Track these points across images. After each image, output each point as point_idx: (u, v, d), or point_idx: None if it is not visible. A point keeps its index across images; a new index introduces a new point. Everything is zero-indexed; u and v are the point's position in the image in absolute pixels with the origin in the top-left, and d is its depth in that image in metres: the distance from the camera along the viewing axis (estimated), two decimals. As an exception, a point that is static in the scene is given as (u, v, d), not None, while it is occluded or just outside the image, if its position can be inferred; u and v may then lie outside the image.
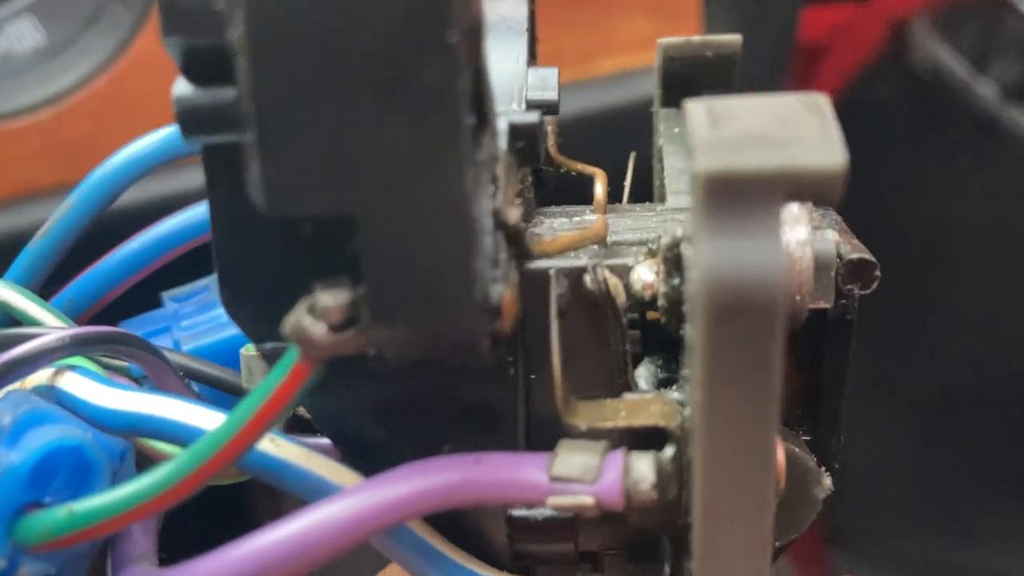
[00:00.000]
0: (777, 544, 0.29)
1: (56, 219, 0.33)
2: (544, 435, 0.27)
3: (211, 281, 0.36)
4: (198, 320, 0.35)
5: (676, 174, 0.32)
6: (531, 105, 0.32)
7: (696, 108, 0.21)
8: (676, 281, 0.25)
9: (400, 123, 0.20)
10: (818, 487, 0.28)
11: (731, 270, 0.20)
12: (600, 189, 0.31)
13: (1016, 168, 0.62)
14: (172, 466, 0.24)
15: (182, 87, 0.23)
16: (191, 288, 0.36)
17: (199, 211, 0.34)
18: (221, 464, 0.24)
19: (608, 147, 0.37)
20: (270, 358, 0.26)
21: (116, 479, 0.27)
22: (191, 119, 0.23)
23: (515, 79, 0.33)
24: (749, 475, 0.22)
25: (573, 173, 0.33)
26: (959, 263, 0.64)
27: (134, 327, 0.36)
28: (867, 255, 0.27)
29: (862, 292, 0.27)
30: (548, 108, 0.33)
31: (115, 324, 0.35)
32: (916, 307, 0.61)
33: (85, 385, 0.28)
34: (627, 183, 0.34)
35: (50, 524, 0.25)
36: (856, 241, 0.27)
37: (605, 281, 0.26)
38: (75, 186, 0.34)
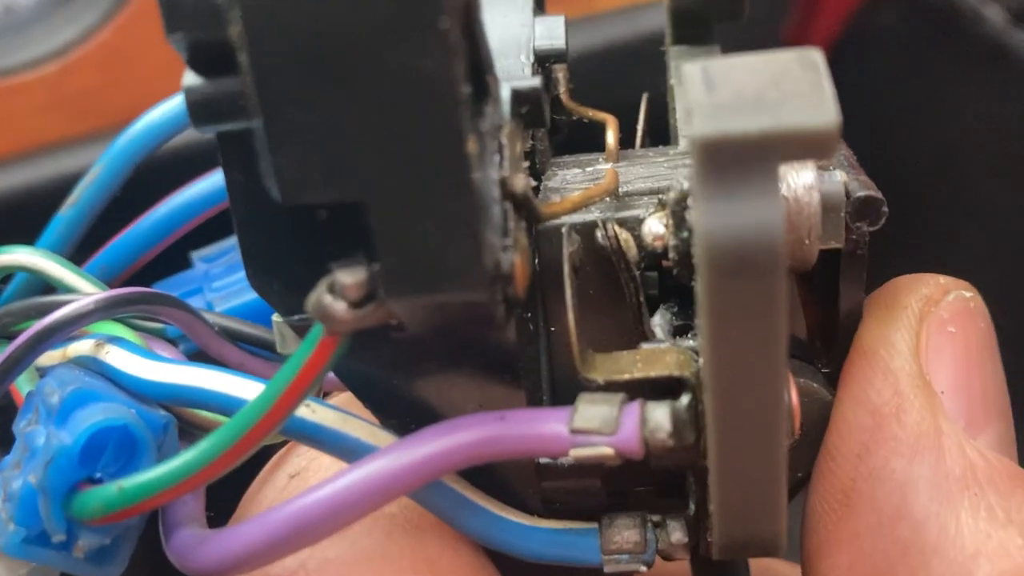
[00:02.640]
0: (800, 475, 0.30)
1: (85, 186, 0.34)
2: (568, 385, 0.28)
3: (239, 240, 0.37)
4: (229, 280, 0.36)
5: (686, 115, 0.32)
6: (539, 56, 0.32)
7: (692, 71, 0.22)
8: (685, 234, 0.25)
9: (398, 109, 0.21)
10: None
11: (730, 233, 0.21)
12: (611, 137, 0.31)
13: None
14: (214, 440, 0.26)
15: (190, 78, 0.24)
16: (219, 247, 0.37)
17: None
18: (260, 436, 0.25)
19: (620, 84, 0.37)
20: (299, 330, 0.27)
21: (160, 450, 0.28)
22: (201, 110, 0.24)
23: (522, 30, 0.33)
24: (759, 423, 0.23)
25: (585, 119, 0.33)
26: (967, 190, 0.63)
27: (167, 288, 0.36)
28: (874, 192, 0.27)
29: (871, 229, 0.27)
30: (556, 57, 0.33)
31: (148, 286, 0.37)
32: (923, 234, 0.61)
33: (127, 359, 0.29)
34: (640, 126, 0.34)
35: (102, 501, 0.26)
36: (864, 177, 0.28)
37: (616, 236, 0.27)
38: (84, 138, 0.34)
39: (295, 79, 0.21)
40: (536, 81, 0.26)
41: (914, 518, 0.26)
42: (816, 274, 0.28)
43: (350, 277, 0.23)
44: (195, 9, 0.22)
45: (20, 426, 0.28)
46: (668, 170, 0.29)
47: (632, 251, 0.27)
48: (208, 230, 0.36)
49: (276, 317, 0.31)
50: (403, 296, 0.23)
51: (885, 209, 0.27)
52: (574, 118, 0.34)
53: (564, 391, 0.28)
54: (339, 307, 0.23)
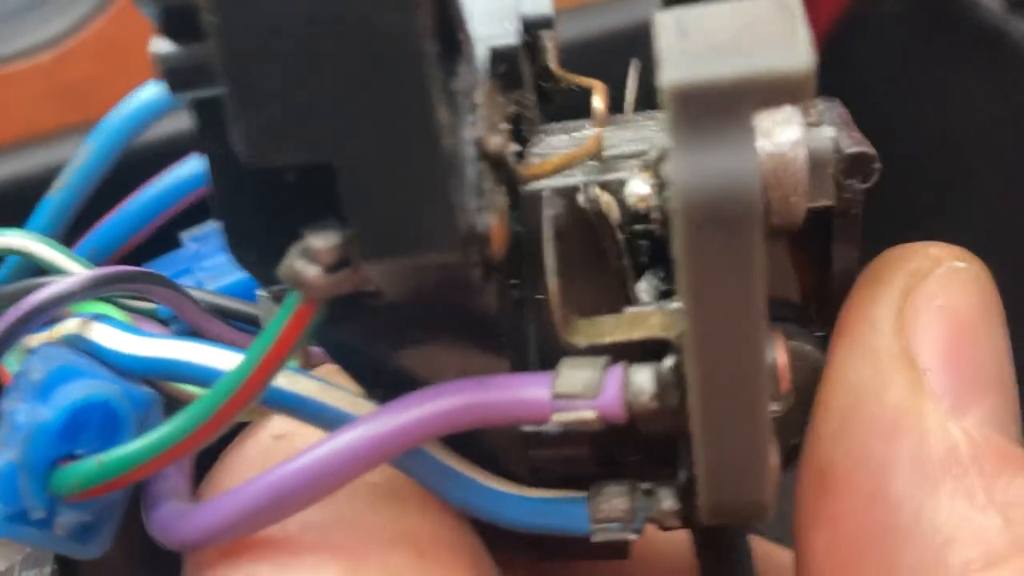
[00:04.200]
0: (794, 442, 0.29)
1: (73, 169, 0.34)
2: (557, 351, 0.27)
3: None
4: (219, 260, 0.35)
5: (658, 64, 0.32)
6: (526, 22, 0.32)
7: (664, 19, 0.21)
8: (668, 193, 0.25)
9: (363, 66, 0.21)
10: None
11: (704, 183, 0.20)
12: (598, 102, 0.31)
13: (1022, 80, 0.60)
14: (192, 411, 0.25)
15: (162, 45, 0.23)
16: (209, 227, 0.37)
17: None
18: (238, 406, 0.25)
19: (617, 72, 0.37)
20: (279, 299, 0.27)
21: (143, 427, 0.28)
22: (175, 76, 0.23)
23: None
24: (740, 379, 0.23)
25: (575, 87, 0.33)
26: (965, 176, 0.63)
27: (156, 268, 0.36)
28: (866, 147, 0.26)
29: (863, 186, 0.27)
30: (543, 22, 0.32)
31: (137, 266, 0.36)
32: (921, 220, 0.60)
33: (111, 334, 0.29)
34: (629, 91, 0.34)
35: (82, 475, 0.26)
36: (857, 133, 0.27)
37: (597, 199, 0.26)
38: (78, 127, 0.34)
39: (258, 38, 0.21)
40: (513, 39, 0.25)
41: (890, 501, 0.25)
42: (809, 235, 0.28)
43: (322, 241, 0.23)
44: None
45: (4, 405, 0.28)
46: (655, 133, 0.29)
47: (614, 213, 0.26)
48: (198, 210, 0.36)
49: (259, 291, 0.31)
50: (376, 259, 0.22)
51: (878, 165, 0.26)
52: (564, 85, 0.33)
53: (553, 358, 0.28)
54: (312, 272, 0.23)
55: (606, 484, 0.28)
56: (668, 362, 0.25)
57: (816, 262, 0.29)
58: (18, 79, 0.50)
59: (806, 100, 0.20)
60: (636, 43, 0.52)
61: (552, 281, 0.26)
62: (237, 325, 0.32)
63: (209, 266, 0.35)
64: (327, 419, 0.27)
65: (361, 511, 0.27)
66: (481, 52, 0.25)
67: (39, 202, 0.34)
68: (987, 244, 0.61)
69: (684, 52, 0.20)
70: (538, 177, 0.26)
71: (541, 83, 0.33)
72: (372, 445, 0.25)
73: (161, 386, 0.29)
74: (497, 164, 0.24)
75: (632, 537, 0.28)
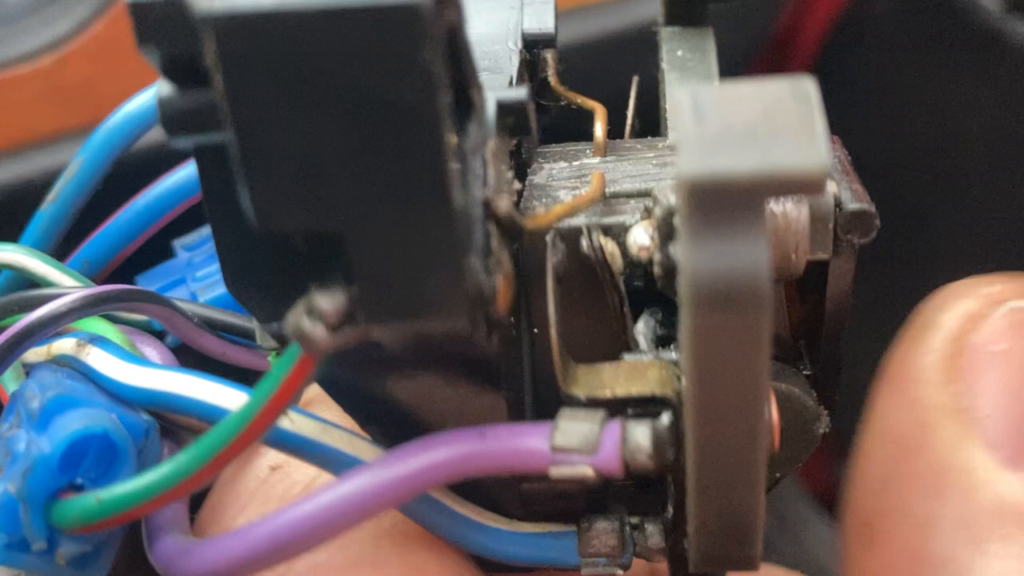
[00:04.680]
0: (777, 475, 0.30)
1: (65, 182, 0.34)
2: (551, 387, 0.27)
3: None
4: (211, 269, 0.35)
5: (675, 145, 0.32)
6: (527, 40, 0.32)
7: (683, 99, 0.21)
8: (671, 250, 0.25)
9: (377, 138, 0.21)
10: (817, 423, 0.29)
11: (715, 272, 0.21)
12: (599, 130, 0.31)
13: (1020, 80, 0.60)
14: (192, 453, 0.26)
15: (164, 88, 0.23)
16: (201, 235, 0.37)
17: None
18: (238, 450, 0.25)
19: (611, 74, 0.37)
20: (278, 337, 0.27)
21: (142, 454, 0.28)
22: (175, 121, 0.23)
23: (511, 12, 0.32)
24: (739, 451, 0.23)
25: (574, 106, 0.33)
26: (962, 178, 0.63)
27: (150, 280, 0.36)
28: (867, 205, 0.27)
29: (861, 241, 0.27)
30: (545, 42, 0.32)
31: (131, 278, 0.36)
32: (918, 224, 0.61)
33: (108, 362, 0.29)
34: (630, 112, 0.34)
35: (81, 511, 0.26)
36: (857, 185, 0.27)
37: (601, 248, 0.26)
38: (78, 131, 0.34)
39: (271, 105, 0.21)
40: (522, 93, 0.25)
41: (934, 561, 0.24)
42: (804, 275, 0.28)
43: (329, 302, 0.23)
44: (166, 21, 0.22)
45: (3, 428, 0.28)
46: (656, 168, 0.29)
47: (617, 263, 0.26)
48: (189, 217, 0.36)
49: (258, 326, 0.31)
50: (382, 322, 0.23)
51: (877, 223, 0.26)
52: (562, 103, 0.33)
53: (547, 393, 0.28)
54: (318, 331, 0.23)
55: (596, 519, 0.29)
56: (665, 419, 0.25)
57: (808, 301, 0.30)
58: (18, 83, 0.49)
59: (819, 194, 0.20)
60: (633, 45, 0.52)
61: (553, 332, 0.26)
62: (229, 337, 0.33)
63: (202, 276, 0.35)
64: (326, 459, 0.27)
65: (368, 547, 0.28)
66: (488, 104, 0.25)
67: (33, 215, 0.34)
68: (983, 244, 0.62)
69: (701, 139, 0.20)
70: (543, 229, 0.26)
71: (540, 100, 0.33)
72: (376, 494, 0.25)
73: (159, 412, 0.29)
74: (505, 224, 0.24)
75: (619, 572, 0.29)
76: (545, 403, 0.28)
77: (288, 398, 0.25)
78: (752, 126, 0.21)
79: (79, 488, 0.27)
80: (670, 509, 0.29)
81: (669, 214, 0.25)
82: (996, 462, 0.25)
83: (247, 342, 0.33)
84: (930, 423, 0.25)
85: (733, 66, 0.33)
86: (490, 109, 0.25)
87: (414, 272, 0.22)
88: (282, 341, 0.28)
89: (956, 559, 0.24)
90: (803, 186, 0.20)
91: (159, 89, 0.23)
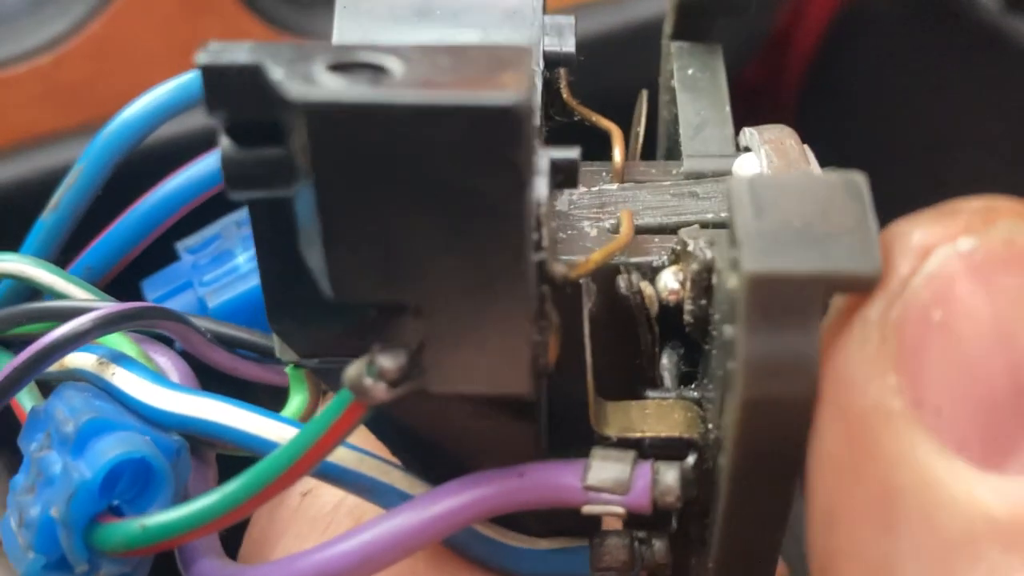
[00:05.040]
0: None
1: (65, 190, 0.33)
2: (562, 419, 0.29)
3: (222, 228, 0.37)
4: (218, 272, 0.36)
5: (692, 131, 0.32)
6: (548, 59, 0.32)
7: (740, 190, 0.22)
8: (703, 302, 0.26)
9: (463, 227, 0.21)
10: None
11: (771, 361, 0.22)
12: (618, 155, 0.31)
13: (1018, 79, 0.61)
14: (238, 485, 0.26)
15: (227, 147, 0.23)
16: (203, 236, 0.37)
17: (208, 163, 0.34)
18: (287, 484, 0.26)
19: (611, 74, 0.37)
20: (316, 371, 0.28)
21: (174, 474, 0.29)
22: (237, 177, 0.23)
23: (532, 31, 0.33)
24: (766, 529, 0.25)
25: (587, 123, 0.33)
26: (960, 174, 0.64)
27: (156, 285, 0.36)
28: None
29: None
30: (564, 61, 0.33)
31: (135, 283, 0.37)
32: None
33: (136, 384, 0.29)
34: (640, 130, 0.35)
35: (125, 537, 0.27)
36: None
37: (640, 292, 0.27)
38: (76, 131, 0.34)
39: (358, 189, 0.21)
40: (575, 153, 0.26)
41: None
42: None
43: (391, 361, 0.24)
44: (241, 89, 0.22)
45: (30, 447, 0.29)
46: (675, 198, 0.30)
47: (654, 306, 0.28)
48: (191, 217, 0.36)
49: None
50: (448, 390, 0.24)
51: None
52: (576, 118, 0.33)
53: (557, 424, 0.29)
54: (378, 388, 0.24)
55: (608, 535, 0.31)
56: (691, 460, 0.27)
57: None
58: (15, 82, 0.48)
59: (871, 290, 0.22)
60: (633, 43, 0.53)
61: (590, 376, 0.27)
62: (241, 353, 0.33)
63: (209, 280, 0.36)
64: (362, 487, 0.28)
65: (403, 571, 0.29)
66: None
67: (30, 219, 0.34)
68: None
69: (762, 235, 0.22)
70: (580, 277, 0.27)
71: (552, 114, 0.33)
72: (417, 532, 0.26)
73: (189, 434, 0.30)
74: (558, 287, 0.25)
75: (628, 585, 0.31)
76: (557, 431, 0.29)
77: (338, 439, 0.26)
78: (810, 222, 0.22)
79: (115, 510, 0.28)
80: (674, 524, 0.30)
81: (706, 269, 0.26)
82: (960, 468, 0.19)
83: (255, 356, 0.34)
84: (858, 437, 0.20)
85: (731, 64, 0.34)
86: (543, 166, 0.26)
87: (484, 347, 0.23)
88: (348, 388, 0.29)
89: None
90: (860, 286, 0.21)
91: (221, 146, 0.23)
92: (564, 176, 0.26)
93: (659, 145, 0.37)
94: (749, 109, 0.31)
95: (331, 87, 0.20)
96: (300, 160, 0.21)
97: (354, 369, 0.24)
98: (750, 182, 0.22)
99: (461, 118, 0.20)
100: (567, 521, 0.31)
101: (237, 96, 0.22)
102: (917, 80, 0.66)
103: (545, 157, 0.25)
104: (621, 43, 0.54)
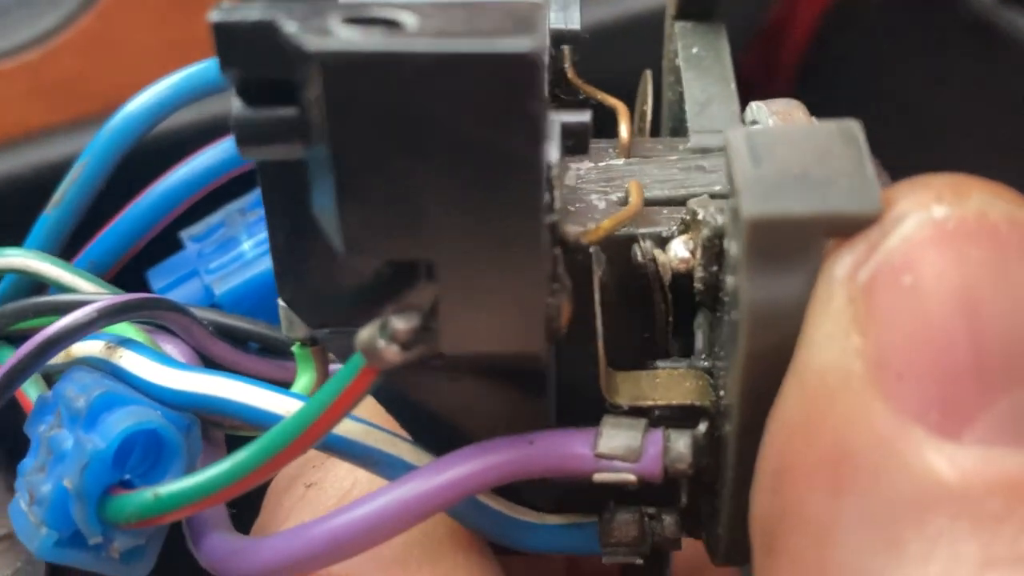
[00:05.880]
0: None
1: (69, 185, 0.34)
2: (572, 390, 0.29)
3: (226, 215, 0.37)
4: (223, 260, 0.36)
5: (698, 108, 0.33)
6: (554, 36, 0.32)
7: (737, 141, 0.23)
8: (715, 268, 0.27)
9: (478, 180, 0.22)
10: None
11: (772, 305, 0.22)
12: (624, 131, 0.32)
13: (1013, 71, 0.62)
14: (249, 453, 0.26)
15: (238, 106, 0.23)
16: (207, 224, 0.37)
17: (210, 155, 0.34)
18: (296, 453, 0.26)
19: (616, 60, 0.37)
20: (325, 341, 0.28)
21: (186, 450, 0.29)
22: (249, 138, 0.23)
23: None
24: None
25: (592, 101, 0.33)
26: (952, 166, 0.64)
27: (160, 275, 0.37)
28: None
29: None
30: (571, 38, 0.33)
31: (140, 272, 0.37)
32: None
33: (144, 364, 0.30)
34: (648, 109, 0.35)
35: (138, 507, 0.27)
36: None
37: (654, 259, 0.27)
38: (67, 126, 0.34)
39: (373, 141, 0.21)
40: (586, 116, 0.26)
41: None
42: None
43: (404, 323, 0.24)
44: (255, 44, 0.22)
45: (40, 430, 0.29)
46: (682, 172, 0.30)
47: (668, 274, 0.28)
48: (194, 206, 0.36)
49: (282, 301, 0.31)
50: (461, 351, 0.24)
51: None
52: (581, 97, 0.34)
53: (566, 395, 0.29)
54: (391, 350, 0.24)
55: (617, 510, 0.31)
56: (702, 427, 0.27)
57: None
58: (6, 77, 0.49)
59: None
60: (635, 32, 0.53)
61: (600, 344, 0.27)
62: (245, 348, 0.33)
63: (215, 268, 0.36)
64: (370, 460, 0.28)
65: (400, 551, 0.29)
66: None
67: (37, 213, 0.34)
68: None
69: (760, 182, 0.22)
70: (593, 244, 0.27)
71: (557, 92, 0.34)
72: (428, 498, 0.26)
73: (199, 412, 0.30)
74: (571, 249, 0.25)
75: (638, 561, 0.31)
76: (565, 404, 0.29)
77: (348, 406, 0.26)
78: (807, 168, 0.22)
79: (127, 483, 0.28)
80: (684, 500, 0.30)
81: (717, 235, 0.26)
82: (916, 434, 0.19)
83: (258, 351, 0.34)
84: (826, 393, 0.20)
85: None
86: (555, 132, 0.26)
87: (498, 304, 0.23)
88: (315, 341, 0.29)
89: (867, 570, 0.18)
90: (859, 226, 0.22)
91: (233, 106, 0.24)
92: (575, 140, 0.26)
93: (663, 127, 0.37)
94: (743, 101, 0.31)
95: (347, 37, 0.21)
96: (314, 115, 0.22)
97: (367, 332, 0.24)
98: (747, 133, 0.23)
99: (476, 66, 0.20)
100: (576, 496, 0.31)
101: (250, 53, 0.22)
102: (910, 72, 0.67)
103: (556, 120, 0.26)
104: (626, 30, 0.54)
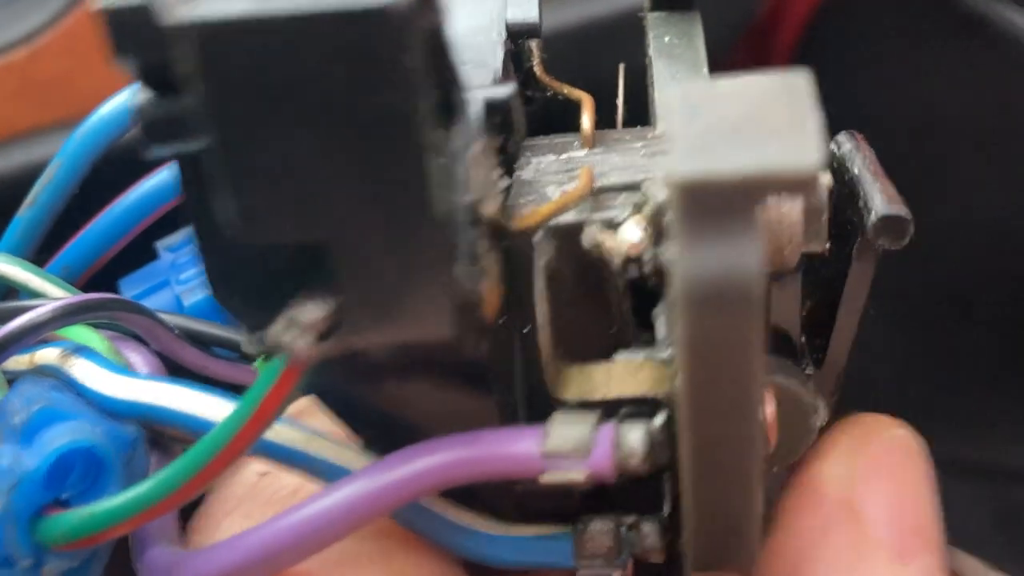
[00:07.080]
0: (775, 470, 0.29)
1: (42, 186, 0.33)
2: (543, 388, 0.27)
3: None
4: (196, 271, 0.35)
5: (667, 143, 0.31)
6: (511, 31, 0.31)
7: (673, 97, 0.21)
8: (662, 248, 0.25)
9: (361, 147, 0.20)
10: (814, 416, 0.28)
11: (708, 275, 0.20)
12: (587, 121, 0.30)
13: (1005, 66, 0.59)
14: (179, 467, 0.25)
15: (142, 96, 0.22)
16: (184, 235, 0.36)
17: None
18: (224, 464, 0.25)
19: (595, 62, 0.36)
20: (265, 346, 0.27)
21: (129, 466, 0.28)
22: (154, 129, 0.22)
23: (494, 3, 0.32)
24: (734, 453, 0.23)
25: (560, 96, 0.32)
26: (944, 161, 0.62)
27: (133, 283, 0.36)
28: (901, 211, 0.26)
29: (892, 247, 0.26)
30: (529, 32, 0.32)
31: (113, 281, 0.36)
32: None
33: (93, 373, 0.28)
34: (620, 102, 0.33)
35: (69, 527, 0.26)
36: (889, 187, 0.27)
37: (601, 244, 0.26)
38: (53, 127, 0.33)
39: (251, 114, 0.20)
40: (508, 89, 0.25)
41: None
42: (820, 268, 0.28)
43: (311, 313, 0.22)
44: (142, 28, 0.21)
45: (-17, 444, 0.28)
46: (645, 159, 0.28)
47: (617, 259, 0.26)
48: (171, 217, 0.35)
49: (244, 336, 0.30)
50: (370, 333, 0.22)
51: (911, 228, 0.26)
52: (548, 93, 0.32)
53: (539, 394, 0.27)
54: (300, 343, 0.22)
55: (591, 520, 0.28)
56: (659, 420, 0.25)
57: (821, 295, 0.29)
58: None
59: (812, 194, 0.20)
60: (618, 31, 0.52)
61: (543, 335, 0.25)
62: (213, 351, 0.32)
63: (186, 279, 0.35)
64: (313, 469, 0.27)
65: (350, 548, 0.27)
66: (474, 104, 0.25)
67: (7, 217, 0.33)
68: (967, 226, 0.62)
69: (692, 138, 0.20)
70: (532, 229, 0.25)
71: (526, 91, 0.32)
72: (366, 502, 0.25)
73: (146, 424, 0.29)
74: (492, 227, 0.23)
75: (616, 573, 0.28)
76: (538, 404, 0.28)
77: (273, 410, 0.24)
78: (743, 123, 0.20)
79: (65, 503, 0.27)
80: (667, 507, 0.28)
81: (660, 212, 0.24)
82: (885, 559, 0.28)
83: (229, 354, 0.33)
84: (831, 515, 0.29)
85: (716, 50, 0.33)
86: (476, 109, 0.24)
87: (399, 282, 0.22)
88: (271, 350, 0.28)
89: None
90: (795, 186, 0.19)
91: (136, 97, 0.23)
92: (502, 117, 0.24)
93: (653, 122, 0.35)
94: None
95: (206, 8, 0.19)
96: (192, 94, 0.20)
97: (276, 326, 0.22)
98: (683, 89, 0.21)
99: (342, 23, 0.19)
100: (544, 503, 0.29)
101: (139, 37, 0.21)
102: (903, 66, 0.65)
103: (478, 97, 0.24)
104: (607, 30, 0.53)
